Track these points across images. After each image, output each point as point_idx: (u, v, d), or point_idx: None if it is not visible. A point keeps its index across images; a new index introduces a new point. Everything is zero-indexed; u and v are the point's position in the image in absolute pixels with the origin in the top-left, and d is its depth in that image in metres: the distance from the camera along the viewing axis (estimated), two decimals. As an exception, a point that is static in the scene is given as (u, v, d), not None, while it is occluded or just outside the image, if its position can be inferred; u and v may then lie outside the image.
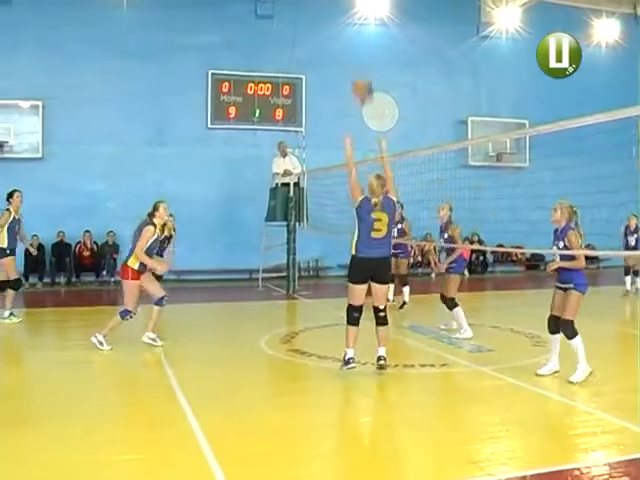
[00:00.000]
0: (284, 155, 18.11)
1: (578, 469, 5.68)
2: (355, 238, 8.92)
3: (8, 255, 13.28)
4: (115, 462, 5.89)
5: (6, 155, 20.26)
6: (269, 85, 22.19)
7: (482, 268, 23.99)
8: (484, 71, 24.51)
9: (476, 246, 21.61)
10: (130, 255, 10.58)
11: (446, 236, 12.32)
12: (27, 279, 19.68)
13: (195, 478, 5.55)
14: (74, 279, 20.34)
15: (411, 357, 9.85)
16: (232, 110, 21.96)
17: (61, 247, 20.25)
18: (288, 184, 17.83)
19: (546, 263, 23.13)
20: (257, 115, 22.07)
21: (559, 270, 8.75)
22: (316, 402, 8.04)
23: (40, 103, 20.42)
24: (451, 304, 11.68)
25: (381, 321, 8.93)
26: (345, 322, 8.91)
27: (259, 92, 22.11)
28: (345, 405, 7.86)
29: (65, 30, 20.40)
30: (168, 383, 8.56)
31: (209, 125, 21.89)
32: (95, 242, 20.55)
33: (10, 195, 13.60)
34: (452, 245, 12.09)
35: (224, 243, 21.17)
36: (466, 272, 23.27)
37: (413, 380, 9.08)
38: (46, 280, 20.08)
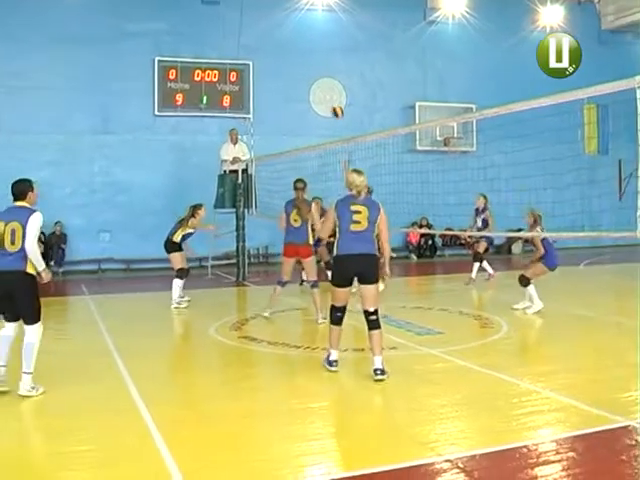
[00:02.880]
0: (235, 142, 18.01)
1: (526, 447, 5.77)
2: (336, 239, 8.30)
3: None
4: (66, 453, 5.83)
5: (-56, 144, 19.82)
6: (216, 72, 22.03)
7: (431, 252, 24.16)
8: (432, 56, 24.62)
9: (424, 230, 21.79)
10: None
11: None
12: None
13: (148, 467, 5.52)
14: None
15: (360, 341, 9.87)
16: (179, 97, 21.76)
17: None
18: (236, 171, 17.74)
19: (496, 246, 23.45)
20: (204, 102, 21.90)
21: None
22: (267, 387, 8.05)
23: (-19, 91, 20.01)
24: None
25: (372, 325, 8.19)
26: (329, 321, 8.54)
27: (206, 79, 21.94)
28: (295, 390, 7.85)
29: (7, 16, 19.97)
30: (118, 373, 8.47)
31: (156, 112, 21.66)
32: (42, 232, 20.19)
33: None
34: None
35: (173, 231, 20.98)
36: (414, 256, 23.59)
37: (362, 364, 9.11)
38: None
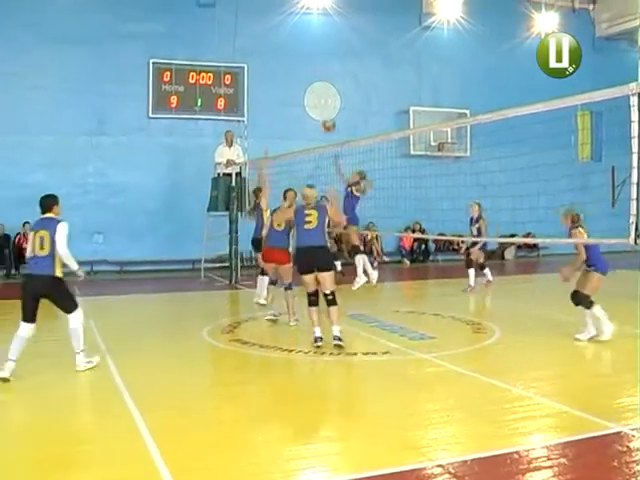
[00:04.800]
0: (230, 144, 18.01)
1: (517, 452, 5.77)
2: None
3: None
4: (59, 455, 5.82)
5: (-60, 146, 19.77)
6: (211, 74, 22.03)
7: (424, 256, 24.19)
8: (426, 61, 24.67)
9: (417, 234, 21.82)
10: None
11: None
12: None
13: (139, 471, 5.50)
14: (14, 271, 19.93)
15: (354, 345, 9.87)
16: (174, 99, 21.75)
17: (0, 239, 19.84)
18: (230, 174, 17.73)
19: (489, 252, 23.54)
20: (199, 104, 21.89)
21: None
22: (258, 391, 8.03)
23: (-26, 92, 19.96)
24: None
25: (330, 303, 9.86)
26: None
27: (201, 81, 21.93)
28: (287, 394, 7.85)
29: (1, 16, 19.93)
30: (109, 376, 8.45)
31: (150, 114, 21.63)
32: (34, 233, 20.14)
33: None
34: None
35: (166, 233, 20.99)
36: (407, 261, 23.59)
37: (355, 368, 9.12)
38: (-15, 273, 19.68)
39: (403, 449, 5.91)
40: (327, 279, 9.91)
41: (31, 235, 8.60)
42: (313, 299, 10.04)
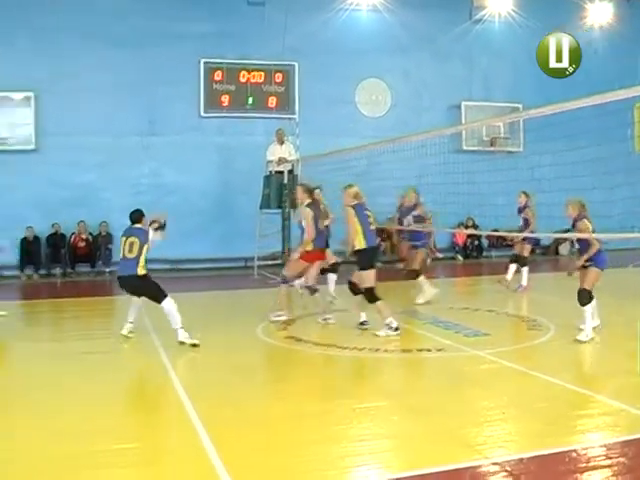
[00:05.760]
0: (281, 142, 18.07)
1: (575, 451, 5.69)
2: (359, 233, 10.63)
3: None
4: (113, 451, 5.89)
5: (0, 147, 20.19)
6: (262, 73, 22.08)
7: (477, 252, 23.97)
8: (477, 55, 24.43)
9: (470, 231, 21.64)
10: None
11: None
12: (22, 270, 19.68)
13: (194, 466, 5.54)
14: (69, 270, 20.24)
15: (408, 342, 9.85)
16: (225, 98, 21.87)
17: (56, 238, 20.14)
18: (282, 172, 17.79)
19: (543, 247, 23.10)
20: (250, 103, 21.99)
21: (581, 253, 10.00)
22: (313, 389, 8.05)
23: (32, 95, 20.30)
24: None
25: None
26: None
27: (252, 80, 22.00)
28: (342, 391, 7.85)
29: (56, 21, 20.26)
30: (165, 372, 8.55)
31: (202, 114, 21.78)
32: (90, 233, 20.45)
33: None
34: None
35: (219, 231, 21.10)
36: (460, 257, 23.42)
37: (410, 365, 9.10)
38: (42, 272, 20.00)
39: (458, 446, 5.87)
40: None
41: (122, 240, 10.46)
42: (375, 294, 10.59)
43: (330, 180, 13.80)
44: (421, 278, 13.63)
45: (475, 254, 23.89)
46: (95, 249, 20.24)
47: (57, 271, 20.18)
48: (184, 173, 21.15)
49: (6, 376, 8.85)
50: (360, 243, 10.63)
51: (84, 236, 20.23)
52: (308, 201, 11.67)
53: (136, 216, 10.60)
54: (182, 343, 9.86)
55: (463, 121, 23.26)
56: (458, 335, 10.49)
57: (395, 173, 14.36)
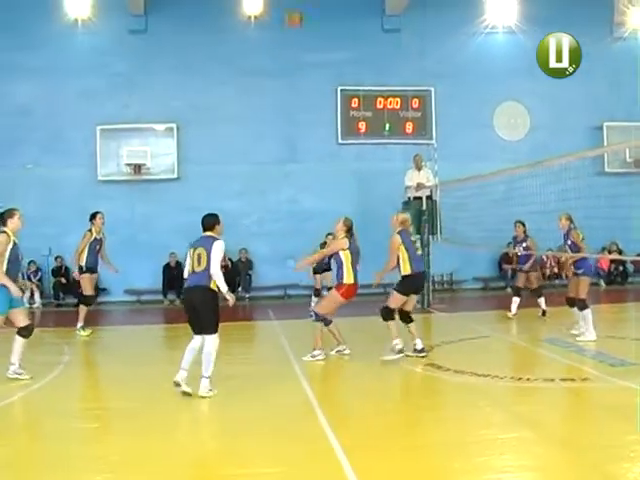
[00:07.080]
0: (419, 168, 18.09)
1: None
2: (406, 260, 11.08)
3: (85, 272, 14.16)
4: (257, 475, 6.04)
5: (144, 177, 21.15)
6: (398, 99, 22.22)
7: (622, 278, 23.16)
8: (619, 74, 23.67)
9: (614, 255, 20.97)
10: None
11: (569, 242, 12.61)
12: (165, 296, 20.40)
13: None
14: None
15: (551, 371, 9.64)
16: (362, 125, 22.12)
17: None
18: (421, 197, 17.78)
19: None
20: (387, 129, 22.14)
21: None
22: (454, 417, 7.99)
23: (174, 125, 21.20)
24: (582, 305, 11.90)
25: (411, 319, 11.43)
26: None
27: (388, 106, 22.17)
28: (483, 421, 7.74)
29: (197, 53, 21.16)
30: (304, 398, 8.68)
31: (340, 140, 22.10)
32: (230, 259, 20.98)
33: (93, 216, 14.25)
34: (579, 255, 12.25)
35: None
36: (603, 283, 22.63)
37: (553, 395, 8.89)
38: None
39: (607, 482, 5.71)
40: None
41: (190, 252, 8.98)
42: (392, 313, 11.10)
43: (469, 206, 13.71)
44: (587, 311, 12.47)
45: (619, 279, 23.09)
46: (235, 275, 20.72)
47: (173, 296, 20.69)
48: (322, 199, 21.43)
49: (136, 396, 9.13)
50: (406, 269, 10.97)
51: (224, 263, 20.67)
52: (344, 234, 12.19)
53: (209, 221, 9.13)
54: (202, 397, 8.66)
55: (605, 142, 22.62)
56: (603, 364, 10.19)
57: (535, 198, 14.11)
